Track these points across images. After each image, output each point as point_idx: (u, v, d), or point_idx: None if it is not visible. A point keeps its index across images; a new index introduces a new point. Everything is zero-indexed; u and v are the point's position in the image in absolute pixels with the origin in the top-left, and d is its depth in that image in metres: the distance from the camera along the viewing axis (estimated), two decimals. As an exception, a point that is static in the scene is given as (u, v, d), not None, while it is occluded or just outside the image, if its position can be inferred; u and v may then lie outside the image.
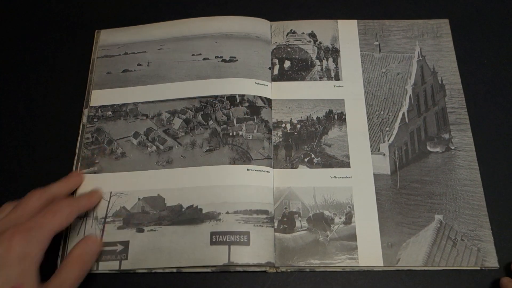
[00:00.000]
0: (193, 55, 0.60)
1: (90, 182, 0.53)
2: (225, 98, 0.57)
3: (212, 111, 0.56)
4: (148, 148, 0.55)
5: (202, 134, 0.55)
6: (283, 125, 0.56)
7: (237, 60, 0.59)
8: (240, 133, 0.55)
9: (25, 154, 0.56)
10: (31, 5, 0.66)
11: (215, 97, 0.57)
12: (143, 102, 0.58)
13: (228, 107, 0.56)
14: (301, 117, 0.57)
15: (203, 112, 0.56)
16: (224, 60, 0.59)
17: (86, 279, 0.49)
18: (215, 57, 0.60)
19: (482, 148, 0.55)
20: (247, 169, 0.52)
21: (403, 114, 0.57)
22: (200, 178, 0.52)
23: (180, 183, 0.52)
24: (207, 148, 0.54)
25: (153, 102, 0.58)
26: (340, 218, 0.51)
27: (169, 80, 0.59)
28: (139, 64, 0.60)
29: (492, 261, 0.49)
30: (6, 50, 0.63)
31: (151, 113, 0.57)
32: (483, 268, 0.49)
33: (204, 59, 0.60)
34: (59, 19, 0.65)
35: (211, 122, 0.56)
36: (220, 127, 0.55)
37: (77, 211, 0.47)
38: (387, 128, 0.56)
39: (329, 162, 0.54)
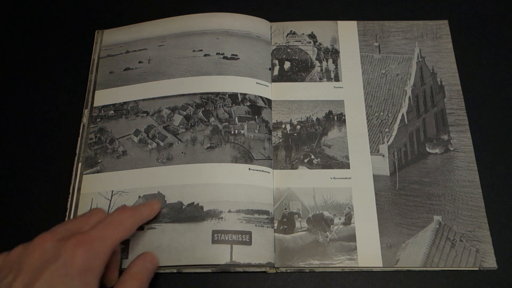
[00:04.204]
0: (193, 51, 0.60)
1: (92, 182, 0.53)
2: (227, 95, 0.57)
3: (213, 108, 0.56)
4: (149, 145, 0.55)
5: (203, 130, 0.55)
6: (283, 126, 0.57)
7: (238, 58, 0.59)
8: (242, 132, 0.55)
9: (25, 154, 0.56)
10: (31, 5, 0.66)
11: (216, 94, 0.57)
12: (143, 99, 0.58)
13: (230, 105, 0.56)
14: (301, 118, 0.57)
15: (204, 108, 0.56)
16: (225, 57, 0.59)
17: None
18: (216, 53, 0.59)
19: (481, 149, 0.55)
20: (249, 169, 0.52)
21: (403, 115, 0.57)
22: (201, 175, 0.52)
23: (180, 180, 0.52)
24: (208, 145, 0.54)
25: (153, 98, 0.58)
26: (339, 219, 0.51)
27: (169, 77, 0.59)
28: (140, 62, 0.60)
29: (490, 262, 0.49)
30: (6, 50, 0.63)
31: (152, 110, 0.57)
32: (481, 268, 0.49)
33: (205, 55, 0.60)
34: (59, 19, 0.65)
35: (212, 119, 0.56)
36: (221, 125, 0.55)
37: (140, 223, 0.46)
38: (387, 129, 0.56)
39: (329, 163, 0.54)
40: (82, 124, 0.57)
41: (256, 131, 0.55)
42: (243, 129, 0.55)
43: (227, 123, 0.55)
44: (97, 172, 0.54)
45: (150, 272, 0.45)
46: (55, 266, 0.37)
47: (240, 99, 0.56)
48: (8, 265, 0.38)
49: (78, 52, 0.62)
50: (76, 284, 0.37)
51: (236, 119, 0.55)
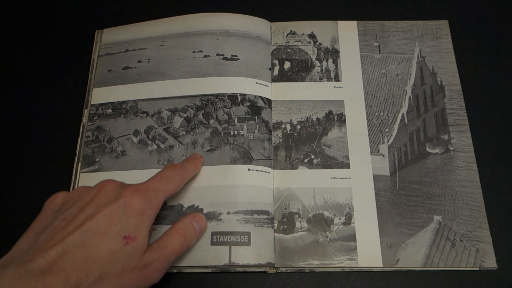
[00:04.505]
0: (193, 51, 0.60)
1: (90, 180, 0.53)
2: (226, 96, 0.57)
3: (213, 110, 0.56)
4: (149, 147, 0.55)
5: (203, 133, 0.55)
6: (283, 125, 0.57)
7: (238, 59, 0.59)
8: (241, 132, 0.55)
9: (25, 154, 0.56)
10: (31, 5, 0.66)
11: (216, 95, 0.57)
12: (143, 99, 0.58)
13: (229, 106, 0.56)
14: (301, 118, 0.57)
15: (204, 111, 0.56)
16: (225, 58, 0.59)
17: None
18: (216, 54, 0.59)
19: (481, 149, 0.55)
20: (248, 169, 0.52)
21: (403, 115, 0.57)
22: (201, 178, 0.52)
23: None
24: (208, 147, 0.54)
25: (153, 99, 0.58)
26: (339, 219, 0.51)
27: (169, 77, 0.59)
28: (139, 61, 0.60)
29: (490, 262, 0.49)
30: (6, 50, 0.63)
31: (151, 110, 0.57)
32: (481, 268, 0.49)
33: (205, 56, 0.60)
34: (59, 19, 0.65)
35: (212, 121, 0.56)
36: (221, 126, 0.55)
37: (187, 179, 0.50)
38: (387, 129, 0.56)
39: (329, 163, 0.54)
40: (82, 124, 0.57)
41: (256, 131, 0.55)
42: (242, 130, 0.55)
43: (226, 125, 0.55)
44: (95, 171, 0.54)
45: (196, 232, 0.47)
46: (116, 204, 0.41)
47: (239, 100, 0.56)
48: (71, 200, 0.43)
49: (78, 52, 0.62)
50: (132, 222, 0.41)
51: (236, 120, 0.55)
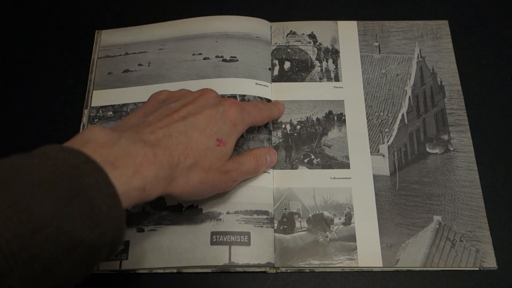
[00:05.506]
0: (193, 54, 0.60)
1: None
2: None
3: (212, 111, 0.56)
4: (149, 148, 0.55)
5: (202, 134, 0.55)
6: (283, 126, 0.57)
7: (237, 60, 0.59)
8: (241, 133, 0.55)
9: (25, 154, 0.56)
10: (31, 5, 0.66)
11: None
12: (144, 102, 0.58)
13: None
14: (301, 118, 0.57)
15: (203, 112, 0.56)
16: (224, 60, 0.59)
17: (85, 278, 0.49)
18: (216, 56, 0.60)
19: (481, 149, 0.55)
20: None
21: (403, 115, 0.57)
22: None
23: None
24: None
25: None
26: (339, 219, 0.51)
27: (170, 80, 0.59)
28: (139, 64, 0.60)
29: (490, 262, 0.49)
30: (6, 50, 0.63)
31: (152, 113, 0.57)
32: (481, 268, 0.49)
33: (205, 58, 0.60)
34: (59, 19, 0.65)
35: (211, 122, 0.56)
36: None
37: (270, 118, 0.55)
38: (387, 129, 0.56)
39: (329, 163, 0.54)
40: (82, 124, 0.57)
41: (255, 132, 0.55)
42: (242, 131, 0.55)
43: None
44: None
45: (267, 162, 0.52)
46: (215, 109, 0.45)
47: (239, 101, 0.56)
48: (174, 97, 0.47)
49: (78, 52, 0.62)
50: (226, 129, 0.45)
51: (235, 121, 0.55)
